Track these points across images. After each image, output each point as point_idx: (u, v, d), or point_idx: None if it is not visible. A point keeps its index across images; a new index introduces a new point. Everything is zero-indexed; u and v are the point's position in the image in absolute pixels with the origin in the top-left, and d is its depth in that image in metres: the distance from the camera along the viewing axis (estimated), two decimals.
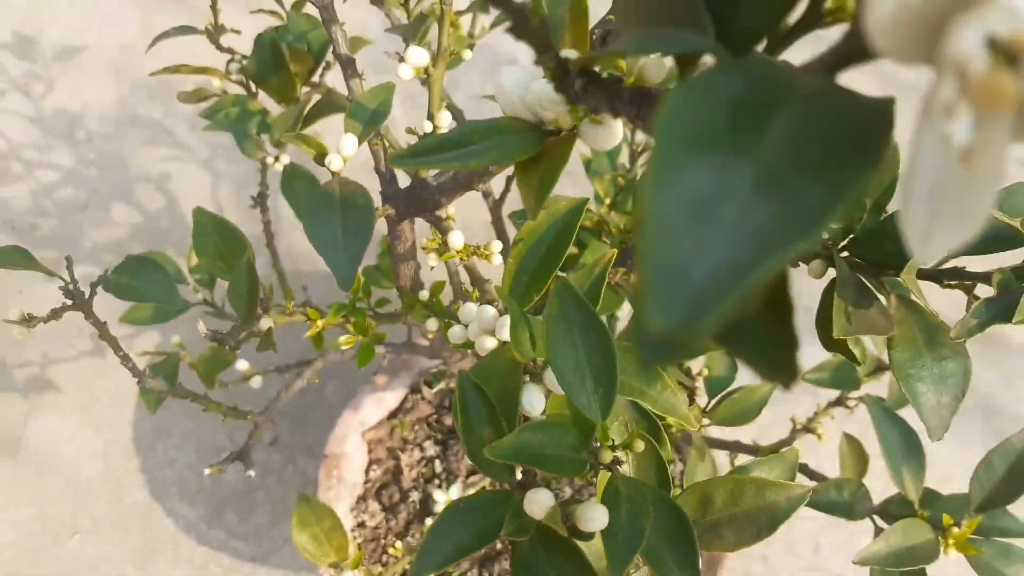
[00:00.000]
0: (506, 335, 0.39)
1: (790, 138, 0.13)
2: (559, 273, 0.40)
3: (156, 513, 1.11)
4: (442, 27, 0.47)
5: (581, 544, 0.33)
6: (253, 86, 0.73)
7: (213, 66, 0.71)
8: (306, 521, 0.63)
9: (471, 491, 0.75)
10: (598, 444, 0.33)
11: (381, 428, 0.95)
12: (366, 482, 0.94)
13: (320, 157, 0.45)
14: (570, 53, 0.27)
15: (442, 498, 0.75)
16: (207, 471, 0.62)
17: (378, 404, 0.95)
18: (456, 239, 0.47)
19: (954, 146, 0.12)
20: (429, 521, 0.91)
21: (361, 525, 0.91)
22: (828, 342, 0.39)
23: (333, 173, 0.45)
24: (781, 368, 0.18)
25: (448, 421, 0.97)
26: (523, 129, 0.29)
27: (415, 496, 0.93)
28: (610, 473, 0.32)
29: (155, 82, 1.36)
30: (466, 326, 0.42)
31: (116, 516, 1.10)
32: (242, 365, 0.72)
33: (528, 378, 0.38)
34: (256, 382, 0.72)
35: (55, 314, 0.55)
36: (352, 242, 0.41)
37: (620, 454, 0.33)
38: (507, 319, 0.39)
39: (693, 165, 0.13)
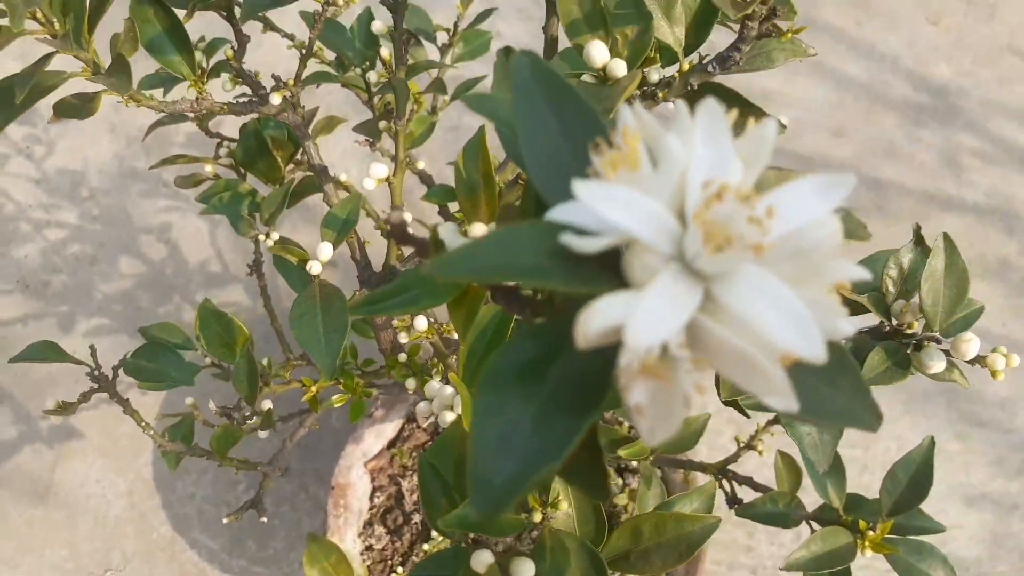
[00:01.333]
0: (460, 411, 0.49)
1: (555, 388, 0.23)
2: None
3: (180, 545, 1.21)
4: (398, 144, 0.56)
5: None
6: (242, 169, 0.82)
7: (206, 156, 0.81)
8: (316, 558, 0.73)
9: None
10: (531, 507, 0.42)
11: (382, 457, 1.05)
12: (371, 508, 1.04)
13: (302, 263, 0.55)
14: (477, 229, 0.37)
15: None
16: (226, 520, 0.72)
17: (378, 435, 1.04)
18: (420, 323, 0.56)
19: (640, 399, 0.22)
20: (430, 543, 1.02)
21: (369, 548, 1.02)
22: (724, 401, 0.48)
23: (313, 276, 0.55)
24: (598, 489, 0.28)
25: None
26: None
27: (417, 518, 1.03)
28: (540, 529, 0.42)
29: (149, 137, 1.45)
30: (431, 400, 0.52)
31: (144, 551, 1.20)
32: (212, 405, 0.81)
33: None
34: (263, 433, 0.81)
35: (85, 398, 0.65)
36: (332, 339, 0.51)
37: (549, 510, 0.43)
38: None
39: (499, 409, 0.23)
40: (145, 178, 1.44)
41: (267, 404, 0.62)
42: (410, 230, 0.29)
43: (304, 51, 0.58)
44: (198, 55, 0.70)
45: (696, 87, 0.42)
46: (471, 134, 0.48)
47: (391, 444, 1.07)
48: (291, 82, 0.58)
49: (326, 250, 0.55)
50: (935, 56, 1.47)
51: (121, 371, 0.67)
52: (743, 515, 0.68)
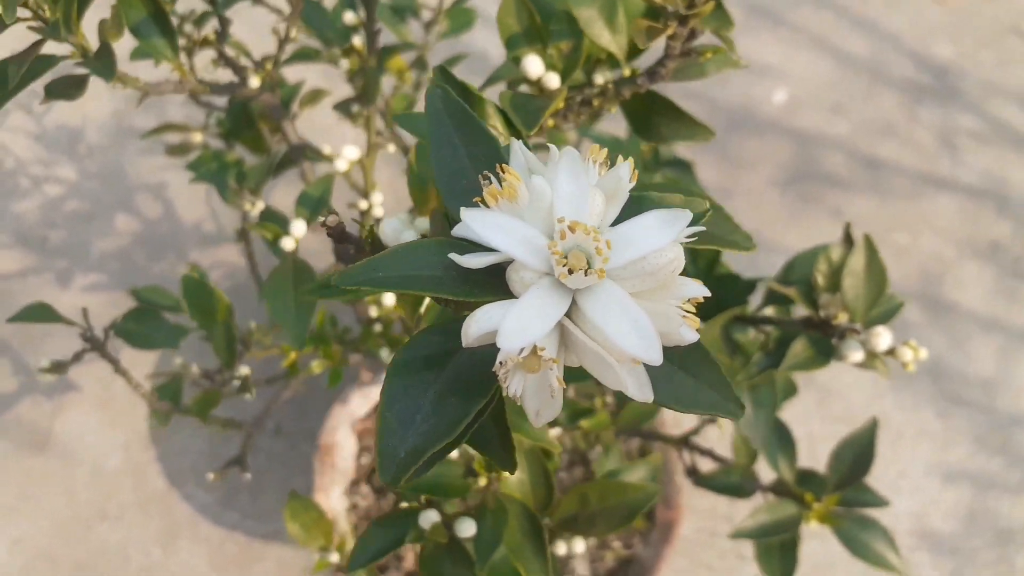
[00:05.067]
0: None
1: (452, 376, 0.28)
2: None
3: (175, 498, 1.28)
4: (369, 129, 0.61)
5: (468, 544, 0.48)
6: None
7: (194, 125, 0.86)
8: (296, 513, 0.79)
9: None
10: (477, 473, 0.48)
11: (369, 419, 1.11)
12: (357, 468, 1.10)
13: (275, 240, 0.60)
14: (422, 224, 0.41)
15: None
16: (210, 476, 0.78)
17: (365, 397, 1.10)
18: (388, 299, 0.62)
19: (517, 389, 0.27)
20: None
21: (355, 506, 1.08)
22: None
23: (287, 253, 0.60)
24: (506, 461, 0.33)
25: None
26: None
27: None
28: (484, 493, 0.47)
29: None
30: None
31: (139, 502, 1.27)
32: (195, 369, 0.87)
33: None
34: (249, 396, 0.87)
35: (77, 358, 0.71)
36: (301, 314, 0.57)
37: (494, 475, 0.48)
38: None
39: (404, 393, 0.28)
40: (143, 138, 1.49)
41: (245, 369, 0.68)
42: (348, 230, 0.34)
43: (283, 36, 0.63)
44: (188, 27, 0.75)
45: (628, 96, 0.47)
46: None
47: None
48: (269, 65, 0.62)
49: (299, 227, 0.60)
50: (938, 36, 1.50)
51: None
52: (700, 485, 0.74)
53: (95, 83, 0.59)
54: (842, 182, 1.42)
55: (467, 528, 0.45)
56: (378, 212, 0.64)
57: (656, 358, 0.25)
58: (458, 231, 0.28)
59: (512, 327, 0.25)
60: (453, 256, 0.26)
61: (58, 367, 0.70)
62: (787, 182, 1.42)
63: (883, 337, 0.50)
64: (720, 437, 1.08)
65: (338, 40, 0.69)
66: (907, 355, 0.51)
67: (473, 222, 0.26)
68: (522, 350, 0.25)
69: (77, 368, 1.37)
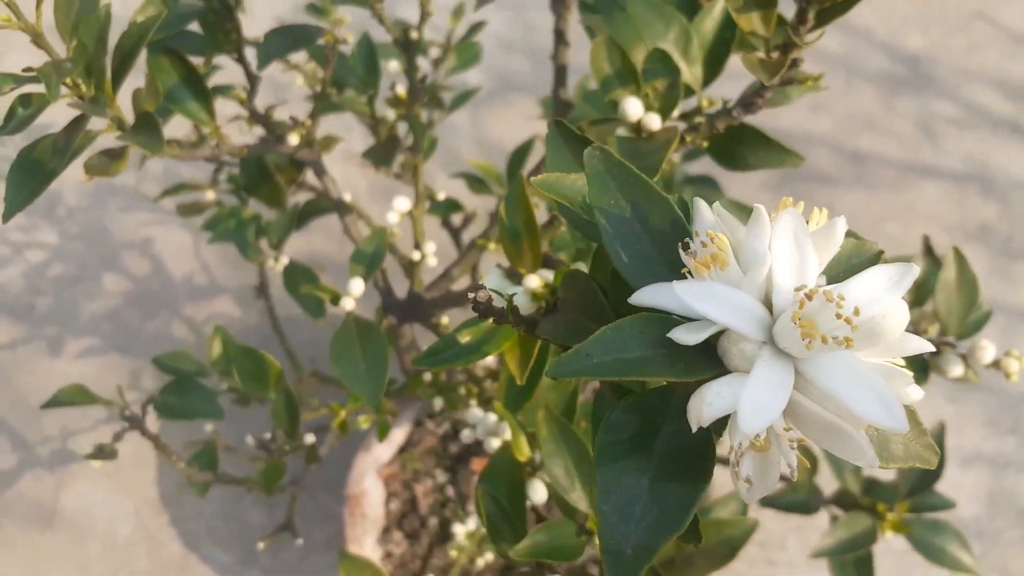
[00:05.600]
0: (507, 436, 0.53)
1: (663, 460, 0.26)
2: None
3: (193, 562, 1.24)
4: (417, 178, 0.59)
5: None
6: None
7: (206, 184, 0.83)
8: (351, 573, 0.76)
9: None
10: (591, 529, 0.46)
11: (394, 463, 1.08)
12: (387, 515, 1.07)
13: (335, 300, 0.58)
14: (532, 281, 0.40)
15: (461, 530, 0.88)
16: (261, 545, 0.75)
17: (388, 442, 1.08)
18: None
19: (749, 471, 0.25)
20: (450, 544, 1.05)
21: (389, 555, 1.05)
22: None
23: (347, 312, 0.58)
24: (692, 532, 0.31)
25: (453, 448, 1.11)
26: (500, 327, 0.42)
27: (433, 521, 1.06)
28: None
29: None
30: (474, 427, 0.55)
31: (156, 570, 1.23)
32: (250, 439, 0.84)
33: (530, 469, 0.51)
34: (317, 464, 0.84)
35: (117, 438, 0.67)
36: (374, 374, 0.54)
37: None
38: (505, 426, 0.52)
39: (616, 483, 0.26)
40: (123, 193, 1.45)
41: (310, 437, 0.65)
42: (493, 302, 0.33)
43: (318, 90, 0.61)
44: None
45: (722, 130, 0.45)
46: (459, 141, 0.51)
47: (402, 450, 1.10)
48: (308, 122, 0.60)
49: (357, 285, 0.58)
50: (908, 27, 1.51)
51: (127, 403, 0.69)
52: (767, 506, 0.73)
53: None
54: (830, 178, 1.42)
55: None
56: (431, 262, 0.62)
57: (902, 424, 0.24)
58: (642, 300, 0.27)
59: (751, 407, 0.23)
60: (675, 334, 0.25)
61: (104, 452, 0.67)
62: (777, 184, 1.42)
63: (988, 350, 0.49)
64: None
65: (361, 87, 0.67)
66: (1013, 366, 0.50)
67: (686, 295, 0.24)
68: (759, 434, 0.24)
69: (79, 438, 1.33)
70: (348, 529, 1.03)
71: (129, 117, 0.55)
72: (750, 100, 0.44)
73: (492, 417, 0.53)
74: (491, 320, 0.40)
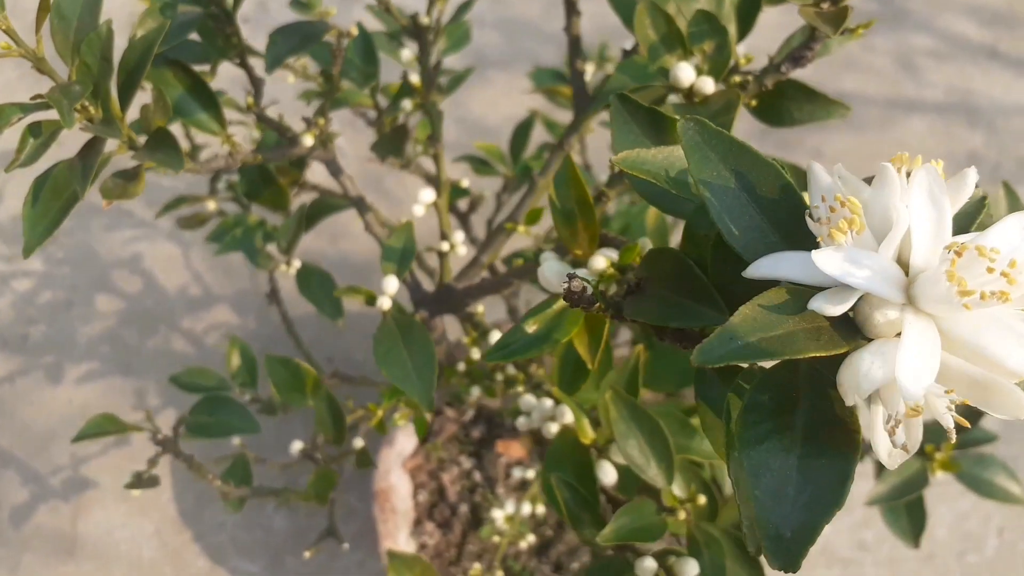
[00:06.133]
0: (566, 420, 0.51)
1: (806, 436, 0.25)
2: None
3: (220, 574, 1.22)
4: (439, 166, 0.57)
5: None
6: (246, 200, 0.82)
7: (203, 194, 0.81)
8: (401, 571, 0.75)
9: (524, 500, 0.88)
10: (668, 506, 0.45)
11: (418, 455, 1.07)
12: (416, 507, 1.06)
13: (371, 301, 0.56)
14: (598, 262, 0.38)
15: (499, 514, 0.87)
16: (307, 554, 0.74)
17: (409, 434, 1.06)
18: (494, 337, 0.58)
19: (903, 438, 0.24)
20: (482, 529, 1.05)
21: (423, 546, 1.04)
22: None
23: (384, 312, 0.56)
24: None
25: (475, 434, 1.10)
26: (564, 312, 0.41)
27: (463, 508, 1.05)
28: (687, 527, 0.45)
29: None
30: (528, 414, 0.54)
31: None
32: (296, 446, 0.83)
33: (596, 453, 0.50)
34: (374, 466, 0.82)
35: (153, 463, 0.66)
36: (423, 374, 0.53)
37: (688, 506, 0.46)
38: (564, 409, 0.51)
39: (764, 465, 0.25)
40: (104, 212, 1.41)
41: (359, 442, 0.64)
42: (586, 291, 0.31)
43: (327, 89, 0.59)
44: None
45: (771, 86, 0.44)
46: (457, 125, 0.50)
47: (424, 440, 1.09)
48: (321, 120, 0.58)
49: (392, 283, 0.56)
50: None
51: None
52: None
53: (41, 167, 0.54)
54: (816, 123, 1.42)
55: (690, 569, 0.43)
56: (461, 251, 0.60)
57: None
58: (761, 272, 0.25)
59: (910, 373, 0.22)
60: (816, 306, 0.23)
61: (144, 481, 0.65)
62: (763, 132, 1.41)
63: None
64: None
65: (362, 80, 0.65)
66: None
67: (827, 264, 0.23)
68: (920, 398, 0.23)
69: (89, 464, 1.31)
70: (380, 525, 1.02)
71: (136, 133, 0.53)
72: (799, 54, 0.43)
73: (548, 402, 0.51)
74: (567, 306, 0.38)
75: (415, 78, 0.56)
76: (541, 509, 0.89)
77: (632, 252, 0.37)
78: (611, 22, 0.67)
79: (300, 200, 0.82)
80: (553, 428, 0.52)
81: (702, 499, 0.46)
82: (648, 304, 0.33)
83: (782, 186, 0.27)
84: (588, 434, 0.49)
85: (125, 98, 0.50)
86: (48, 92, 0.47)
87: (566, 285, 0.31)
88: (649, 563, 0.43)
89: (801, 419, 0.25)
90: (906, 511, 0.69)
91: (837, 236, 0.24)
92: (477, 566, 0.85)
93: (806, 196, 0.27)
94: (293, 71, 0.70)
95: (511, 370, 0.66)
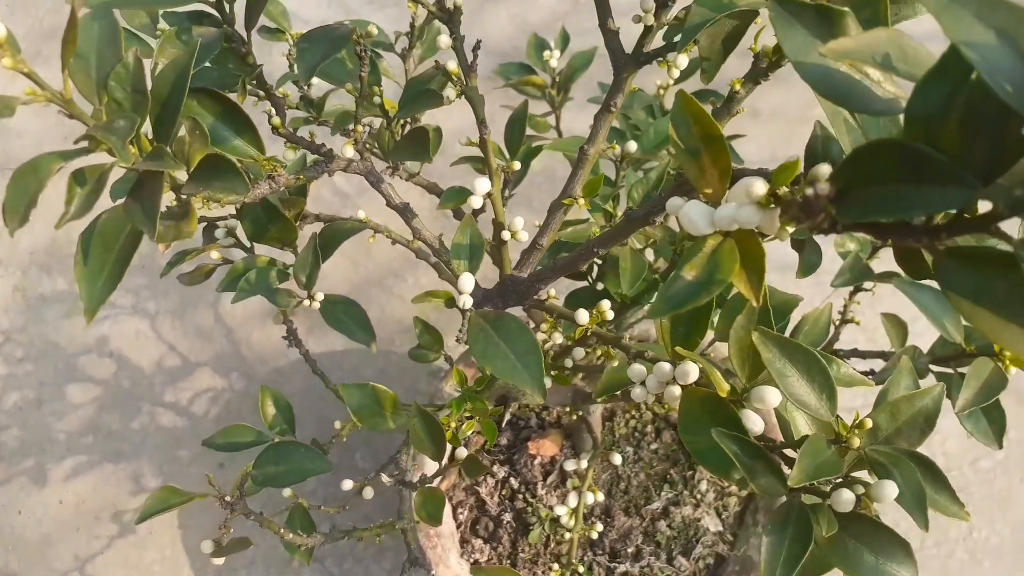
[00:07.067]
0: (690, 379, 0.48)
1: None
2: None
3: None
4: (488, 154, 0.54)
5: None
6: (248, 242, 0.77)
7: (207, 246, 0.75)
8: None
9: (577, 484, 0.85)
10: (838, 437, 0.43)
11: (451, 474, 1.03)
12: (459, 526, 1.02)
13: (450, 302, 0.52)
14: (758, 187, 0.35)
15: (563, 510, 0.84)
16: None
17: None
18: (582, 317, 0.55)
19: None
20: (531, 533, 1.01)
21: (475, 563, 1.00)
22: None
23: (464, 312, 0.52)
24: None
25: (503, 441, 1.06)
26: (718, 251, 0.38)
27: (507, 517, 1.01)
28: (861, 454, 0.42)
29: (44, 255, 1.34)
30: (642, 383, 0.51)
31: None
32: (346, 485, 0.78)
33: (734, 402, 0.47)
34: (368, 492, 0.78)
35: (226, 528, 0.60)
36: (530, 361, 0.49)
37: (857, 431, 0.43)
38: (686, 367, 0.48)
39: None
40: (57, 299, 1.33)
41: (463, 452, 0.60)
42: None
43: (359, 93, 0.55)
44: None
45: None
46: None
47: (451, 457, 1.04)
48: (359, 129, 0.54)
49: (468, 281, 0.53)
50: None
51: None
52: (879, 382, 0.71)
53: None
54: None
55: (890, 491, 0.40)
56: (522, 236, 0.57)
57: None
58: None
59: None
60: None
61: (226, 547, 0.60)
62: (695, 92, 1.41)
63: None
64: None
65: (361, 84, 0.61)
66: None
67: None
68: None
69: (94, 561, 1.21)
70: (429, 552, 0.97)
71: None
72: None
73: (665, 366, 0.48)
74: (717, 245, 0.36)
75: (453, 65, 0.52)
76: (591, 499, 0.86)
77: (792, 168, 0.35)
78: None
79: (301, 233, 0.77)
80: (676, 391, 0.49)
81: (868, 423, 0.44)
82: (861, 202, 0.30)
83: None
84: (724, 387, 0.46)
85: (167, 131, 0.45)
86: (93, 131, 0.42)
87: (804, 196, 0.28)
88: (847, 495, 0.40)
89: None
90: (984, 415, 0.69)
91: None
92: (557, 567, 0.81)
93: None
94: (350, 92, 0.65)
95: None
